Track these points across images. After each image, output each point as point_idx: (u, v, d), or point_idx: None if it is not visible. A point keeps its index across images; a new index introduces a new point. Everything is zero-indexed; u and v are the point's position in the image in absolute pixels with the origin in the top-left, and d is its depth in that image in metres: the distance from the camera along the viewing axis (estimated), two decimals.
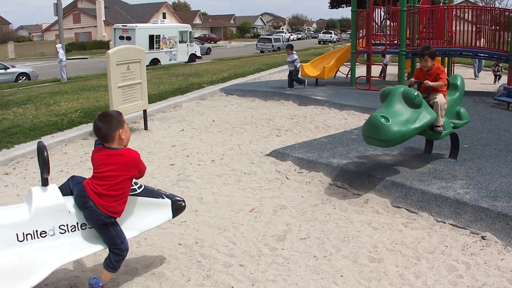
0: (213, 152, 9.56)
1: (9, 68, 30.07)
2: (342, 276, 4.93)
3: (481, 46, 17.13)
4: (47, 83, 24.94)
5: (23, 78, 29.91)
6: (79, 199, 4.27)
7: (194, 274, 5.08)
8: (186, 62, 38.45)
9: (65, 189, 4.47)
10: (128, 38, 35.41)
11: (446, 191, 6.48)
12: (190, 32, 40.98)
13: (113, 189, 4.26)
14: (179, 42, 39.23)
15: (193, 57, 40.73)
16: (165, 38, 37.66)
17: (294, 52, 16.96)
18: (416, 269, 5.04)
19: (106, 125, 4.24)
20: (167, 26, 39.76)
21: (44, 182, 4.31)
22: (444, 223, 6.07)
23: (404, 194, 6.67)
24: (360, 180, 7.27)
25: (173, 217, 4.92)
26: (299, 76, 17.21)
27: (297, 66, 16.82)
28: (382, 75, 19.75)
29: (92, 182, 4.29)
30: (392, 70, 22.09)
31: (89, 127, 11.86)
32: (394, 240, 5.68)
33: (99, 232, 4.37)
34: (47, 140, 10.38)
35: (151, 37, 36.14)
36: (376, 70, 18.35)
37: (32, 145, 10.11)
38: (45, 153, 4.23)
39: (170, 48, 38.28)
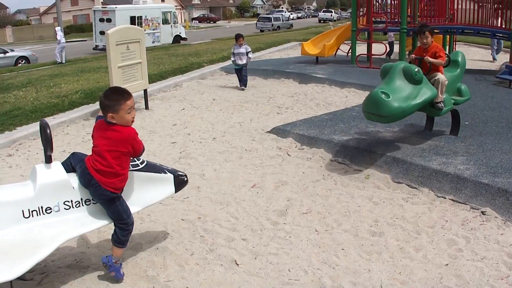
0: (214, 130, 9.61)
1: (8, 52, 30.09)
2: (343, 249, 5.01)
3: (500, 25, 16.73)
4: (46, 66, 24.92)
5: (23, 62, 29.88)
6: (83, 177, 4.32)
7: (197, 248, 5.15)
8: (170, 44, 37.64)
9: (67, 166, 4.51)
10: (108, 20, 34.55)
11: (446, 167, 6.53)
12: (174, 12, 40.30)
13: (111, 166, 4.28)
14: (163, 23, 38.50)
15: (177, 39, 39.94)
16: (147, 19, 36.90)
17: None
18: (417, 243, 5.11)
19: (107, 96, 4.27)
20: (149, 6, 38.64)
21: (48, 160, 4.36)
22: (445, 198, 6.12)
23: (404, 169, 6.72)
24: (361, 156, 7.31)
25: (175, 192, 4.97)
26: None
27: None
28: (388, 53, 19.56)
29: (91, 159, 4.33)
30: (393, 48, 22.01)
31: (90, 107, 11.91)
32: (395, 215, 5.74)
33: (105, 208, 4.42)
34: (48, 121, 10.21)
35: (132, 19, 35.11)
36: (377, 48, 18.29)
37: (34, 127, 10.15)
38: (48, 131, 4.27)
39: (153, 29, 37.55)
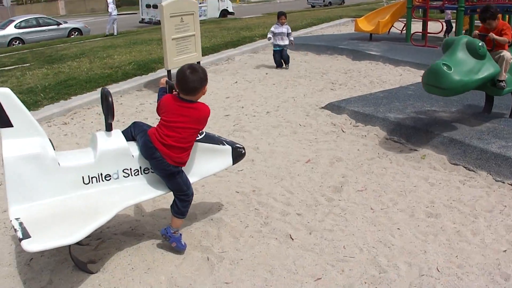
0: (267, 104, 9.58)
1: (61, 24, 30.62)
2: (399, 229, 4.94)
3: None
4: (99, 38, 25.21)
5: (75, 34, 30.46)
6: (146, 150, 4.34)
7: (252, 221, 5.16)
8: (217, 18, 36.95)
9: (127, 135, 4.56)
10: None
11: (506, 150, 6.33)
12: None
13: (182, 142, 4.30)
14: None
15: (224, 13, 39.07)
16: None
17: None
18: (474, 227, 4.99)
19: (196, 78, 4.24)
20: None
21: (108, 127, 4.42)
22: (503, 182, 5.94)
23: (462, 151, 6.56)
24: (417, 136, 7.18)
25: (233, 164, 4.98)
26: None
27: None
28: (446, 31, 19.02)
29: (160, 132, 4.30)
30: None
31: (143, 79, 12.03)
32: (451, 197, 5.62)
33: (165, 181, 4.46)
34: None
35: None
36: (433, 26, 17.86)
37: (88, 97, 10.33)
38: (110, 99, 4.32)
39: (200, 3, 36.97)
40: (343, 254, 4.50)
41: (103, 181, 4.31)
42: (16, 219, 3.91)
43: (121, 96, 10.80)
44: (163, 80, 4.78)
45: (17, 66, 15.83)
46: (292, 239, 4.78)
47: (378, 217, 5.17)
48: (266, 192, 5.81)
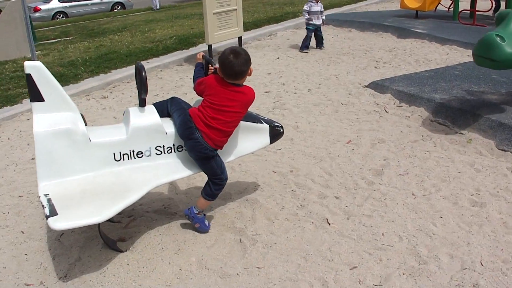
0: (309, 81, 9.34)
1: None
2: (441, 217, 4.68)
3: None
4: (141, 12, 25.24)
5: (118, 8, 30.54)
6: (184, 129, 4.17)
7: (288, 203, 5.00)
8: None
9: (163, 108, 4.41)
10: None
11: None
12: None
13: (228, 126, 4.17)
14: None
15: None
16: None
17: None
18: None
19: (241, 61, 4.06)
20: None
21: (142, 103, 4.28)
22: None
23: (511, 136, 6.24)
24: (463, 118, 6.85)
25: (270, 143, 4.78)
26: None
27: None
28: (494, 9, 18.36)
29: (204, 114, 4.14)
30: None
31: (184, 53, 11.92)
32: (498, 185, 5.31)
33: (199, 164, 4.31)
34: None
35: None
36: (481, 4, 17.24)
37: (128, 70, 10.27)
38: (143, 74, 4.16)
39: None
40: (382, 242, 4.30)
41: (134, 158, 4.19)
42: (45, 195, 3.83)
43: (161, 70, 10.70)
44: (200, 55, 4.61)
45: (59, 39, 15.94)
46: (329, 224, 4.59)
47: (419, 203, 4.92)
48: (304, 173, 5.63)
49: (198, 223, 4.47)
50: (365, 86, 8.69)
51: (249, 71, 4.17)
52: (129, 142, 4.14)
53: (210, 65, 4.38)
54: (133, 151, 4.17)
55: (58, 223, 3.50)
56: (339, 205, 4.92)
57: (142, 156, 4.20)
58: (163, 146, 4.26)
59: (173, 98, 4.51)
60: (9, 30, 12.84)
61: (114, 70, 10.36)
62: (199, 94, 4.34)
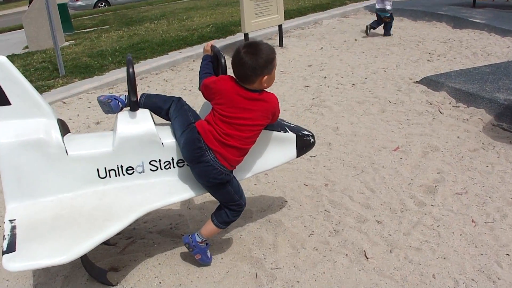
0: (354, 74, 8.39)
1: None
2: (508, 254, 3.68)
3: None
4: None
5: None
6: (192, 150, 3.25)
7: (319, 227, 4.12)
8: None
9: (157, 109, 3.57)
10: None
11: None
12: None
13: (245, 142, 3.27)
14: None
15: None
16: None
17: None
18: None
19: (256, 61, 3.13)
20: None
21: (133, 106, 3.44)
22: None
23: None
24: None
25: (297, 156, 3.85)
26: None
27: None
28: None
29: (217, 130, 3.23)
30: None
31: (220, 42, 11.18)
32: None
33: (211, 191, 3.44)
34: (173, 55, 9.73)
35: None
36: None
37: (157, 61, 9.56)
38: (130, 70, 3.31)
39: None
40: (432, 287, 3.39)
41: (124, 175, 3.37)
42: (10, 220, 3.08)
43: (193, 61, 9.93)
44: (208, 46, 3.73)
45: (96, 28, 15.50)
46: (367, 258, 3.69)
47: (480, 234, 3.94)
48: (342, 188, 4.73)
49: (199, 254, 3.62)
50: (417, 82, 7.68)
51: (265, 77, 3.20)
52: (116, 155, 3.31)
53: (219, 58, 3.50)
54: (121, 167, 3.35)
55: (12, 263, 2.73)
56: (381, 233, 4.00)
57: (133, 172, 3.38)
58: (159, 161, 3.42)
59: (179, 100, 3.60)
60: (40, 18, 12.28)
61: (143, 61, 9.65)
62: (206, 98, 3.47)
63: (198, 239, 3.56)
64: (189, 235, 3.59)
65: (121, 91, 8.15)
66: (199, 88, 3.47)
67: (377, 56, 9.62)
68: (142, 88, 8.22)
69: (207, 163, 3.22)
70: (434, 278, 3.44)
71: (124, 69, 9.09)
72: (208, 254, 3.67)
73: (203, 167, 3.24)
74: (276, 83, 8.05)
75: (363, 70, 8.63)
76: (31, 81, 8.50)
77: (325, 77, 8.30)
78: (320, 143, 5.73)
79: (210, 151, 3.21)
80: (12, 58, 10.38)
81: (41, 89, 8.17)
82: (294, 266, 3.65)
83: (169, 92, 7.85)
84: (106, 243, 3.97)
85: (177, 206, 4.57)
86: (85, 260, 3.41)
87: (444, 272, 3.50)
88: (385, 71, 8.51)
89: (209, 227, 3.54)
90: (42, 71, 9.29)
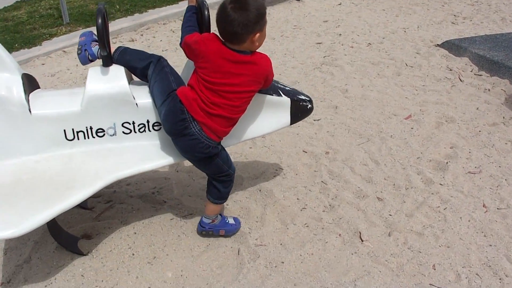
0: (371, 33, 7.87)
1: None
2: None
3: None
4: None
5: None
6: (174, 123, 2.83)
7: (313, 201, 3.76)
8: None
9: (132, 64, 3.10)
10: None
11: None
12: None
13: (234, 111, 2.87)
14: None
15: None
16: None
17: None
18: None
19: (243, 18, 2.68)
20: None
21: (106, 62, 3.02)
22: None
23: None
24: None
25: (291, 124, 3.44)
26: None
27: None
28: None
29: (203, 98, 2.80)
30: None
31: None
32: None
33: (198, 165, 3.09)
34: (181, 6, 9.18)
35: None
36: None
37: (166, 10, 9.03)
38: (99, 20, 2.87)
39: None
40: (429, 279, 3.00)
41: (93, 137, 2.99)
42: None
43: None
44: None
45: None
46: (362, 241, 3.33)
47: (491, 221, 3.53)
48: (343, 157, 4.34)
49: (222, 230, 3.35)
50: (438, 45, 7.16)
51: (258, 34, 2.75)
52: (86, 116, 2.92)
53: (202, 10, 3.05)
54: (90, 128, 2.96)
55: None
56: (381, 212, 3.62)
57: (104, 135, 3.00)
58: (133, 123, 3.02)
59: (159, 60, 3.09)
60: None
61: (151, 10, 9.13)
62: (189, 58, 3.01)
63: (208, 220, 3.30)
64: (200, 224, 3.35)
65: (125, 41, 7.71)
66: (180, 45, 3.03)
67: (398, 15, 9.06)
68: (146, 38, 7.79)
69: (191, 136, 2.83)
70: (434, 269, 3.07)
71: (131, 17, 8.63)
72: (227, 220, 3.40)
73: (188, 140, 2.86)
74: (287, 38, 7.60)
75: (381, 29, 8.10)
76: (34, 29, 8.14)
77: (340, 34, 7.81)
78: (326, 105, 5.32)
79: (195, 122, 2.82)
80: (20, 4, 9.93)
81: (42, 37, 7.78)
82: (281, 244, 3.30)
83: (173, 44, 7.43)
84: (82, 206, 3.66)
85: (165, 168, 4.22)
86: (52, 226, 3.09)
87: (446, 263, 3.13)
88: (405, 31, 7.98)
89: (211, 207, 3.26)
90: (47, 18, 8.87)
